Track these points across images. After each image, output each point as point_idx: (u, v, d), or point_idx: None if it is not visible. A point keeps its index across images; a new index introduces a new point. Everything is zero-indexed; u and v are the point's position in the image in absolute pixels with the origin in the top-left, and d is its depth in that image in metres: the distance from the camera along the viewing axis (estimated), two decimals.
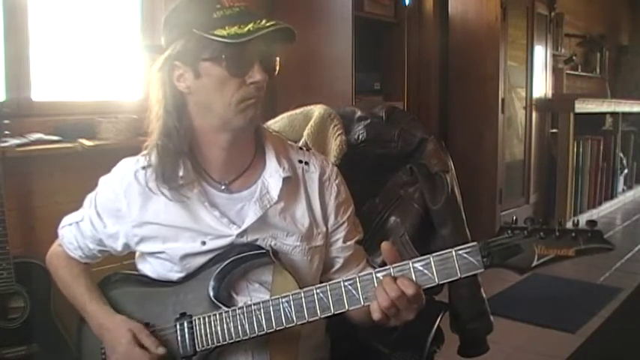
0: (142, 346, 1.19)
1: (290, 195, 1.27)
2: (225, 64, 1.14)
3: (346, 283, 1.10)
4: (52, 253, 1.41)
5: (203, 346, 1.19)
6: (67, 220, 1.38)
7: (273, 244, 1.24)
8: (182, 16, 1.17)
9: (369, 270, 1.14)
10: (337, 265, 1.33)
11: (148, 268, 1.30)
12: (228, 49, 1.12)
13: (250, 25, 1.12)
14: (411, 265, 1.07)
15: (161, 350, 1.19)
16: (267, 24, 1.13)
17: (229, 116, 1.17)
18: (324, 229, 1.30)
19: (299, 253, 1.26)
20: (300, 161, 1.31)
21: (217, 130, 1.21)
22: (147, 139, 1.26)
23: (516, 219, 1.05)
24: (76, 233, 1.35)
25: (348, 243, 1.33)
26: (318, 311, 1.12)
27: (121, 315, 1.26)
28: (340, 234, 1.32)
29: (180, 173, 1.21)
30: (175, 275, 1.26)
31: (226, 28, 1.12)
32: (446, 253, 1.05)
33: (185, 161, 1.22)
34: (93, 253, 1.36)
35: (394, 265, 1.08)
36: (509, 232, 1.03)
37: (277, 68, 1.21)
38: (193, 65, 1.16)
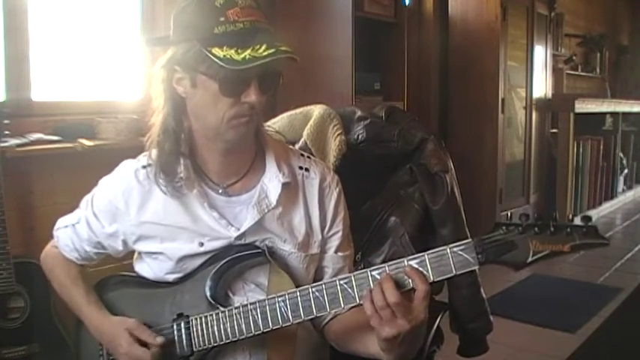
0: (141, 343, 1.20)
1: (288, 201, 1.26)
2: (219, 83, 1.11)
3: (342, 282, 1.10)
4: (48, 254, 1.40)
5: (200, 346, 1.19)
6: (62, 222, 1.37)
7: (270, 246, 1.23)
8: (189, 18, 1.14)
9: None
10: (326, 276, 1.30)
11: (146, 269, 1.30)
12: (223, 71, 1.09)
13: (248, 52, 1.07)
14: (406, 262, 1.07)
15: (159, 340, 1.19)
16: (265, 53, 1.07)
17: (221, 130, 1.16)
18: (320, 236, 1.29)
19: (295, 260, 1.25)
20: (301, 167, 1.30)
21: (212, 138, 1.20)
22: (147, 138, 1.25)
23: (511, 215, 1.05)
24: (72, 235, 1.33)
25: (340, 254, 1.31)
26: (314, 310, 1.11)
27: (117, 316, 1.26)
28: (334, 242, 1.31)
29: (180, 171, 1.21)
30: (172, 276, 1.25)
31: (224, 48, 1.08)
32: (440, 250, 1.05)
33: (185, 161, 1.21)
34: (89, 255, 1.35)
35: (389, 264, 1.08)
36: (503, 228, 1.02)
37: (279, 83, 1.18)
38: (191, 74, 1.15)
